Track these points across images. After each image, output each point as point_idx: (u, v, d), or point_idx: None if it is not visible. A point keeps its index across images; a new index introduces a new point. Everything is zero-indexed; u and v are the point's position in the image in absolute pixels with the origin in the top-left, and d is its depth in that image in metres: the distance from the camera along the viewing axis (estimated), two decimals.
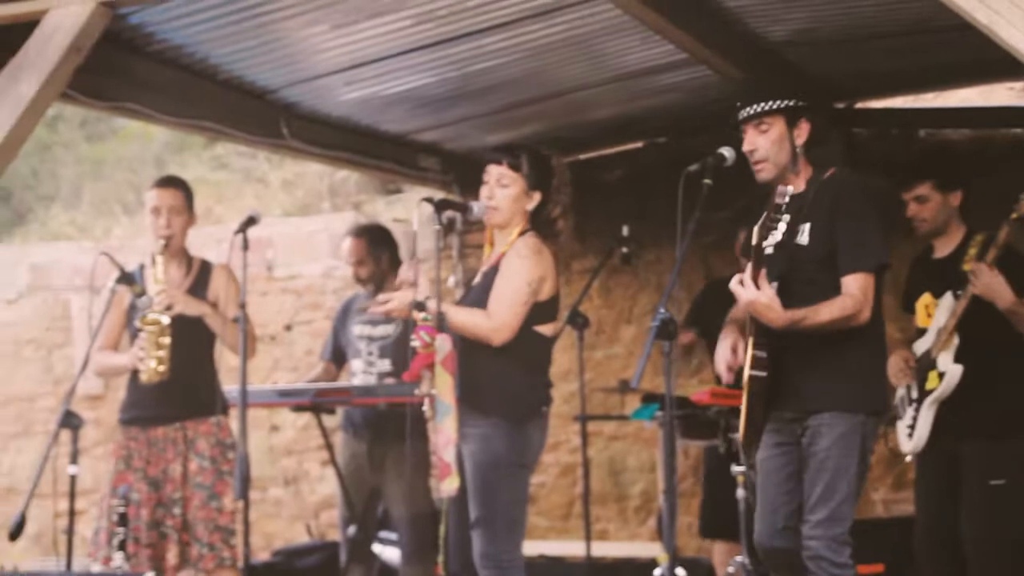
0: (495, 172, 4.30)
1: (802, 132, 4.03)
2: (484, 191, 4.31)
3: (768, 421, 4.03)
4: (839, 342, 3.91)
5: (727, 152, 3.98)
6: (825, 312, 3.86)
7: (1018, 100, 6.57)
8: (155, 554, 4.88)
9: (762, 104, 3.99)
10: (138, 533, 4.86)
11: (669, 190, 3.84)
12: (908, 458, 4.76)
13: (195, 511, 4.87)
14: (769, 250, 3.96)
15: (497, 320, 4.15)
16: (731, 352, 4.06)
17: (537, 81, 5.57)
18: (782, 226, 3.77)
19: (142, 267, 5.12)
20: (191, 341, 4.83)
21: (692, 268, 6.18)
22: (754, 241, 3.80)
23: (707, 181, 3.88)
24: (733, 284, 3.85)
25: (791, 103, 4.01)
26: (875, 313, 3.97)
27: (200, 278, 5.01)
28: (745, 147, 4.02)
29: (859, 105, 6.30)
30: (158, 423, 4.94)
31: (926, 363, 4.61)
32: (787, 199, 3.73)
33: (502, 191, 4.28)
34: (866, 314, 3.91)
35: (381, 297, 4.42)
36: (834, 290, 3.91)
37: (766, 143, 4.00)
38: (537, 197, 4.32)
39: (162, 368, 4.85)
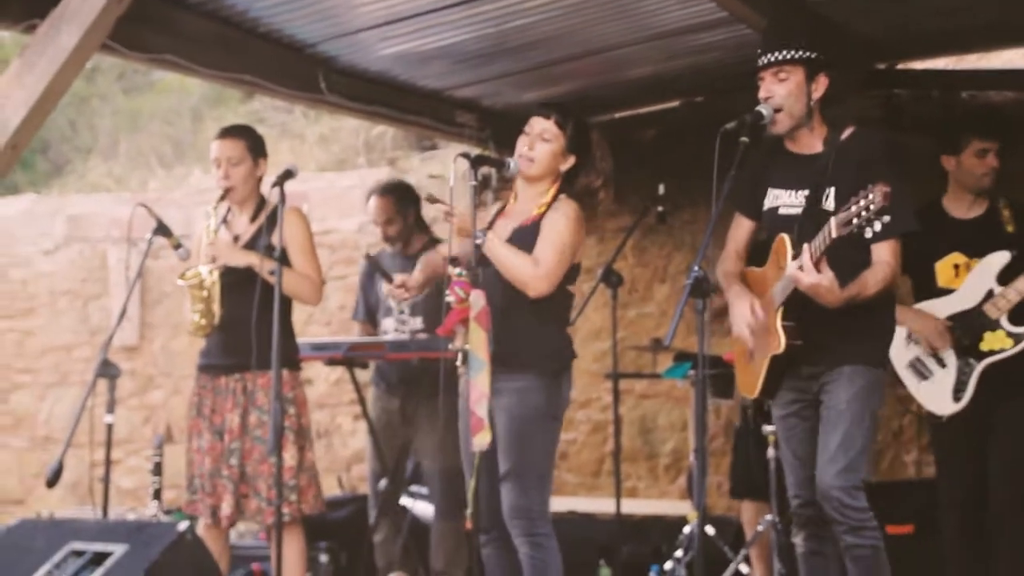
0: (539, 125, 4.30)
1: (820, 86, 4.00)
2: (523, 141, 4.31)
3: (786, 378, 4.05)
4: (859, 304, 3.91)
5: (765, 110, 3.95)
6: (872, 284, 3.88)
7: None
8: (215, 503, 4.88)
9: (783, 52, 3.96)
10: (204, 481, 4.89)
11: (705, 149, 3.82)
12: (943, 419, 4.73)
13: (255, 464, 4.84)
14: (788, 211, 3.98)
15: (544, 269, 4.17)
16: (751, 313, 4.03)
17: (574, 39, 5.54)
18: (877, 226, 3.66)
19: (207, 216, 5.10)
20: (245, 292, 4.73)
21: (727, 228, 6.11)
22: (834, 232, 3.70)
23: (744, 139, 3.85)
24: (791, 270, 3.82)
25: (812, 54, 3.97)
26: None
27: (267, 224, 4.87)
28: (761, 93, 3.99)
29: (900, 66, 6.24)
30: (220, 372, 4.94)
31: (977, 324, 4.58)
32: (883, 198, 3.61)
33: (543, 145, 4.28)
34: (897, 279, 3.95)
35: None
36: (862, 251, 3.90)
37: (783, 91, 3.97)
38: (572, 160, 4.32)
39: (204, 322, 4.86)
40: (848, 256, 3.86)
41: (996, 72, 6.49)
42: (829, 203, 3.94)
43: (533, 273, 4.17)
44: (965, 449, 4.72)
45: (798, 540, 4.15)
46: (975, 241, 4.58)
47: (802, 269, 3.78)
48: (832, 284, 3.78)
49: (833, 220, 3.72)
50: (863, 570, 3.91)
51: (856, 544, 3.90)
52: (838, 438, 3.91)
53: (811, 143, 4.04)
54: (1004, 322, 4.52)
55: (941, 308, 4.66)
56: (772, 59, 3.98)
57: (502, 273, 4.19)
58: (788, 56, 3.96)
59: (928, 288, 4.74)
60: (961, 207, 4.74)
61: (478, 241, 4.11)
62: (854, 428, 3.91)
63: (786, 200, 4.06)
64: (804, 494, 4.08)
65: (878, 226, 3.64)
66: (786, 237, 3.91)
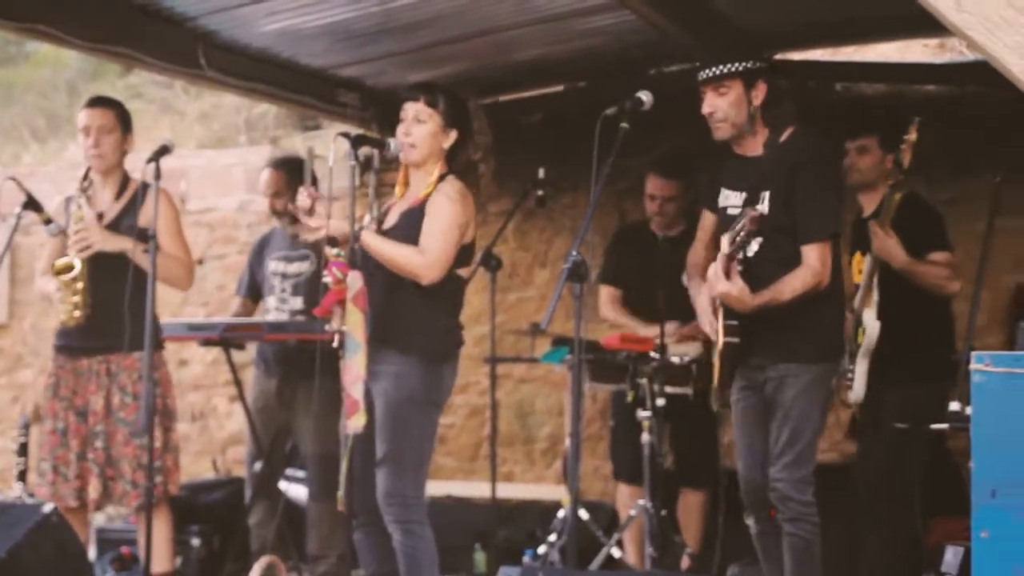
0: (412, 109, 4.29)
1: (759, 93, 4.19)
2: (401, 128, 4.29)
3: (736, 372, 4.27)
4: (800, 302, 4.12)
5: (645, 96, 4.01)
6: (788, 289, 4.09)
7: (933, 57, 6.64)
8: (81, 486, 4.80)
9: (721, 67, 4.15)
10: (62, 464, 4.78)
11: (587, 134, 3.85)
12: (853, 408, 4.88)
13: (119, 447, 4.78)
14: (733, 211, 4.19)
15: (431, 257, 4.15)
16: (711, 309, 4.23)
17: (460, 19, 5.51)
18: (753, 247, 4.10)
19: (68, 200, 4.98)
20: (115, 275, 4.67)
21: (607, 213, 6.20)
22: (726, 248, 4.03)
23: (624, 125, 3.92)
24: (708, 275, 4.12)
25: (749, 65, 4.17)
26: (834, 271, 4.20)
27: (133, 201, 4.79)
28: (705, 109, 4.20)
29: (778, 56, 6.34)
30: (82, 354, 4.85)
31: (856, 320, 4.72)
32: (754, 219, 3.94)
33: (419, 127, 4.27)
34: (827, 280, 4.14)
35: (315, 220, 4.25)
36: (796, 254, 4.12)
37: (725, 105, 4.17)
38: (453, 135, 4.31)
39: (78, 313, 4.76)
40: (782, 258, 4.10)
41: (869, 64, 6.63)
42: (763, 205, 4.14)
43: (421, 263, 4.15)
44: (862, 431, 4.93)
45: (750, 521, 4.36)
46: (865, 239, 4.69)
47: (715, 277, 4.06)
48: (741, 292, 4.03)
49: (724, 238, 4.04)
50: (793, 559, 4.16)
51: (792, 533, 4.16)
52: (786, 435, 4.14)
53: (753, 146, 4.25)
54: (864, 316, 4.65)
55: (855, 304, 4.77)
56: (711, 75, 4.17)
57: (389, 268, 4.15)
58: (725, 71, 4.15)
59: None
60: (866, 205, 4.88)
61: (357, 227, 4.08)
62: (801, 424, 4.15)
63: (732, 201, 4.28)
64: (752, 477, 4.28)
65: (755, 246, 4.04)
66: (724, 239, 4.12)
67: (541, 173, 5.75)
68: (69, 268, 4.72)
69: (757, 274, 4.11)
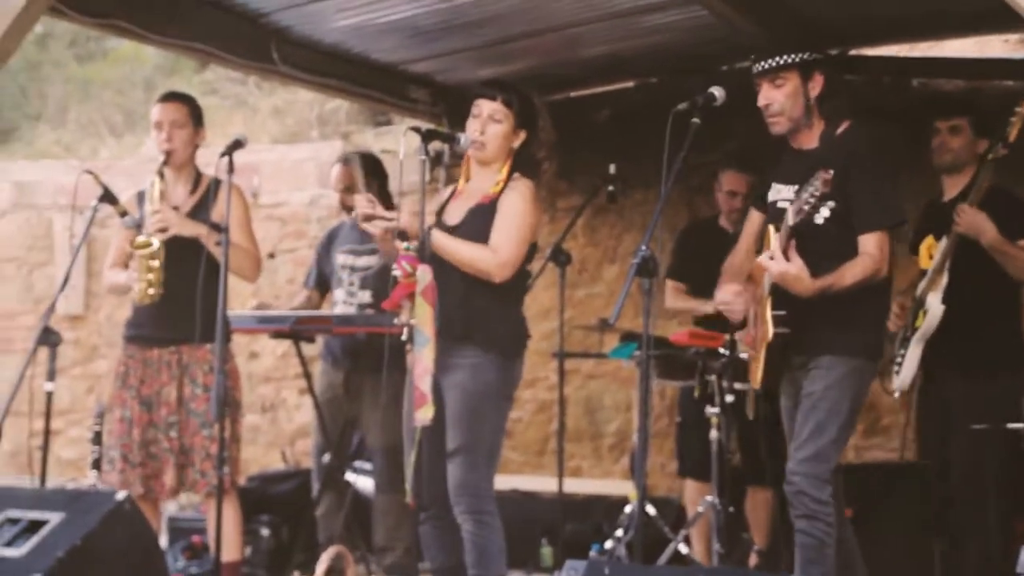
0: (488, 107, 4.29)
1: (816, 85, 4.08)
2: (474, 125, 4.30)
3: (785, 370, 4.13)
4: (852, 294, 3.97)
5: (717, 92, 3.98)
6: (849, 276, 3.94)
7: (1012, 52, 6.55)
8: (146, 473, 4.87)
9: (777, 59, 4.05)
10: (129, 452, 4.86)
11: (657, 131, 3.83)
12: (896, 394, 4.79)
13: (190, 437, 4.85)
14: (783, 204, 4.04)
15: (504, 256, 4.18)
16: (735, 295, 4.15)
17: (529, 16, 5.52)
18: (824, 212, 3.84)
19: (141, 194, 5.04)
20: (188, 263, 4.71)
21: (676, 209, 6.18)
22: (791, 221, 3.83)
23: (695, 120, 3.88)
24: (762, 259, 3.93)
25: (806, 57, 4.06)
26: (889, 266, 4.06)
27: (206, 196, 4.89)
28: (760, 101, 4.08)
29: (853, 52, 6.28)
30: (153, 344, 4.91)
31: (918, 303, 4.66)
32: (825, 182, 3.74)
33: (494, 127, 4.28)
34: (885, 270, 4.00)
35: (389, 214, 4.25)
36: (847, 245, 3.98)
37: (781, 97, 4.06)
38: (523, 136, 4.33)
39: (152, 291, 4.82)
40: (835, 249, 3.95)
41: (946, 60, 6.54)
42: None
43: (495, 262, 4.18)
44: (927, 429, 4.84)
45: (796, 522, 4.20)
46: (943, 223, 4.63)
47: (772, 259, 3.88)
48: (800, 272, 3.86)
49: (789, 208, 3.82)
50: (803, 558, 3.97)
51: (804, 531, 3.97)
52: (810, 426, 3.98)
53: (810, 139, 4.14)
54: (928, 299, 4.58)
55: (919, 290, 4.73)
56: (767, 66, 4.06)
57: (460, 268, 4.17)
58: (781, 62, 4.04)
59: (919, 271, 4.83)
60: (950, 188, 4.82)
61: (427, 224, 4.09)
62: (828, 417, 3.97)
63: (783, 194, 4.14)
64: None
65: (825, 211, 3.78)
66: (771, 227, 4.00)
67: (612, 169, 5.73)
68: (147, 245, 4.78)
69: (807, 264, 3.93)
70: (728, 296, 4.21)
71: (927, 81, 6.42)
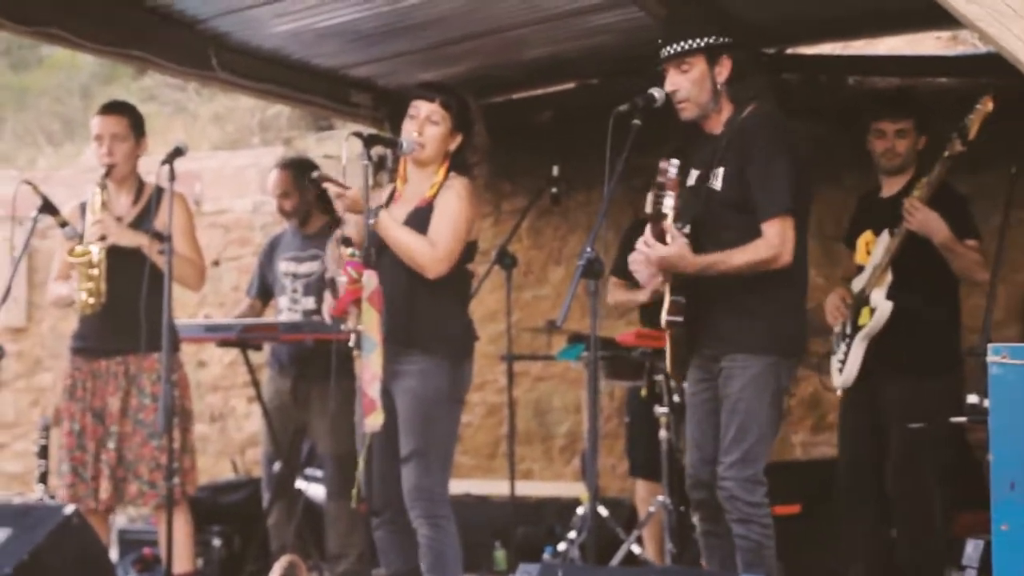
0: (426, 108, 4.30)
1: (723, 69, 4.06)
2: (411, 126, 4.30)
3: (693, 357, 4.11)
4: (755, 285, 3.97)
5: (657, 93, 3.99)
6: (739, 256, 3.92)
7: (945, 49, 6.63)
8: (96, 487, 4.83)
9: (682, 43, 4.01)
10: (80, 465, 4.81)
11: (599, 131, 3.84)
12: (838, 392, 4.83)
13: (136, 448, 4.81)
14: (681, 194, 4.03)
15: (440, 251, 4.18)
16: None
17: (470, 18, 5.51)
18: (668, 202, 3.89)
19: (83, 205, 4.99)
20: (131, 273, 4.70)
21: (621, 210, 6.19)
22: (648, 209, 3.90)
23: (636, 122, 3.88)
24: (639, 247, 3.93)
25: (711, 40, 4.02)
26: (797, 256, 4.02)
27: (149, 205, 4.84)
28: (667, 87, 4.04)
29: (789, 51, 6.33)
30: (100, 355, 4.88)
31: (860, 299, 4.67)
32: (669, 176, 3.84)
33: (432, 128, 4.29)
34: (786, 258, 3.95)
35: (339, 182, 4.27)
36: (751, 234, 3.96)
37: (687, 83, 4.03)
38: (459, 139, 4.35)
39: (92, 300, 4.78)
40: (732, 239, 3.94)
41: (882, 58, 6.61)
42: (716, 182, 4.03)
43: (431, 255, 4.17)
44: (859, 426, 4.80)
45: (695, 519, 4.21)
46: (882, 219, 4.65)
47: (648, 246, 3.90)
48: (681, 249, 3.87)
49: (649, 195, 3.92)
50: (745, 561, 3.97)
51: (742, 535, 3.96)
52: (733, 430, 3.96)
53: (717, 123, 4.12)
54: (872, 296, 4.60)
55: (855, 286, 4.76)
56: (672, 51, 4.03)
57: (397, 254, 4.18)
58: (687, 46, 4.01)
59: (855, 266, 4.84)
60: (889, 186, 4.83)
61: (371, 221, 4.09)
62: (748, 419, 3.95)
63: (691, 180, 4.14)
64: (695, 475, 4.13)
65: (668, 202, 3.88)
66: (670, 224, 3.96)
67: (555, 171, 5.75)
68: (85, 254, 4.74)
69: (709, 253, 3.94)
70: (636, 256, 4.08)
71: (862, 79, 6.49)
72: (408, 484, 4.19)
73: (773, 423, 4.03)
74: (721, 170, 4.00)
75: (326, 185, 4.29)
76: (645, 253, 3.93)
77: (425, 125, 4.29)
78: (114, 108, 5.01)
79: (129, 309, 4.67)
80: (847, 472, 4.84)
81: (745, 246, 3.93)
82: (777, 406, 4.05)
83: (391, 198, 4.41)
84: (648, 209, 3.91)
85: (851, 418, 4.84)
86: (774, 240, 3.93)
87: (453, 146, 4.34)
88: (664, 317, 3.99)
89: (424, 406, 4.19)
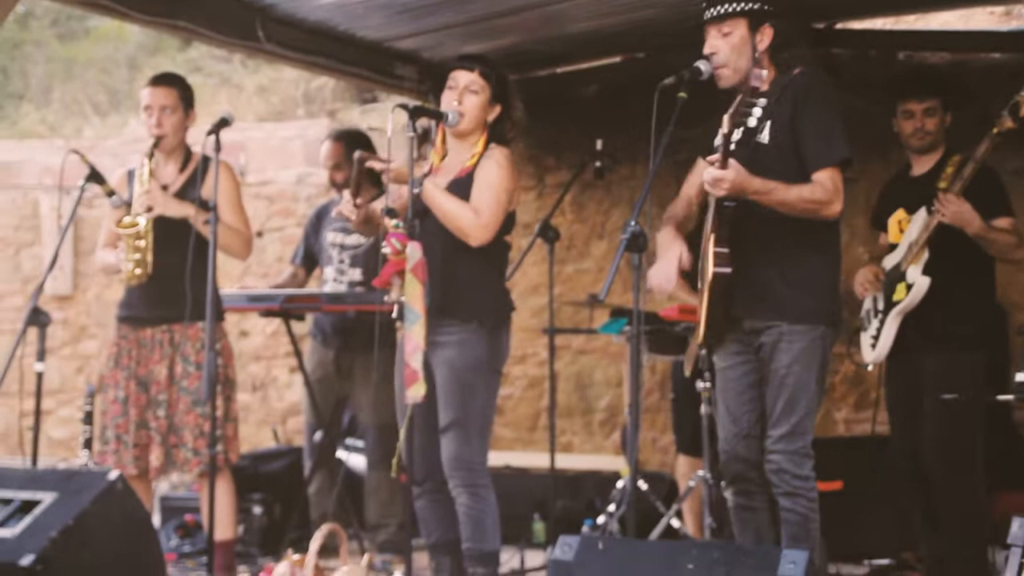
0: (465, 78, 4.31)
1: (764, 37, 4.02)
2: (450, 96, 4.32)
3: (727, 330, 4.05)
4: (799, 251, 3.95)
5: (703, 66, 3.96)
6: (795, 190, 3.86)
7: (997, 24, 6.54)
8: (141, 454, 4.89)
9: (725, 5, 3.97)
10: (124, 432, 4.87)
11: (644, 105, 3.82)
12: (870, 368, 4.81)
13: (181, 415, 4.86)
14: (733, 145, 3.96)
15: (484, 218, 4.20)
16: (675, 265, 4.02)
17: None
18: (756, 112, 3.77)
19: (130, 173, 5.02)
20: (178, 243, 4.73)
21: (665, 184, 6.15)
22: (724, 129, 3.77)
23: (682, 95, 3.85)
24: (704, 180, 3.84)
25: (754, 6, 3.98)
26: (834, 224, 4.01)
27: (195, 175, 4.87)
28: (706, 49, 4.00)
29: (839, 25, 6.27)
30: (145, 324, 4.93)
31: (895, 276, 4.66)
32: (760, 90, 3.71)
33: (471, 97, 4.30)
34: (837, 207, 3.92)
35: (383, 156, 4.34)
36: (795, 180, 3.90)
37: (727, 47, 3.99)
38: (497, 110, 4.36)
39: (139, 271, 4.83)
40: (780, 175, 3.88)
41: (932, 33, 6.54)
42: (763, 136, 3.96)
43: (476, 223, 4.19)
44: (900, 401, 4.81)
45: (728, 494, 4.18)
46: (915, 198, 4.64)
47: (712, 164, 3.81)
48: (738, 171, 3.78)
49: (725, 117, 3.77)
50: (789, 535, 3.95)
51: (788, 508, 3.94)
52: (781, 403, 3.93)
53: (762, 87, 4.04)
54: (909, 272, 4.59)
55: (887, 263, 4.76)
56: (715, 13, 3.99)
57: (442, 222, 4.19)
58: (730, 9, 3.97)
59: (887, 245, 4.83)
60: (920, 164, 4.82)
61: (416, 190, 4.10)
62: (797, 392, 3.93)
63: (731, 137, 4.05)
64: (731, 450, 4.10)
65: (757, 111, 3.75)
66: (704, 159, 3.93)
67: (599, 144, 5.73)
68: (133, 225, 4.78)
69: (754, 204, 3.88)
70: (658, 279, 4.05)
71: (913, 54, 6.42)
72: (447, 454, 4.22)
73: (819, 395, 4.03)
74: (768, 123, 3.93)
75: (370, 164, 4.31)
76: (707, 174, 3.82)
77: (464, 94, 4.30)
78: (164, 80, 5.03)
79: (175, 278, 4.70)
80: (896, 448, 4.84)
81: (802, 185, 3.87)
82: (823, 378, 4.04)
83: (429, 171, 4.41)
84: (725, 127, 3.74)
85: (892, 394, 4.85)
86: (828, 185, 3.89)
87: (491, 117, 4.35)
88: (711, 269, 3.89)
89: (461, 376, 4.21)
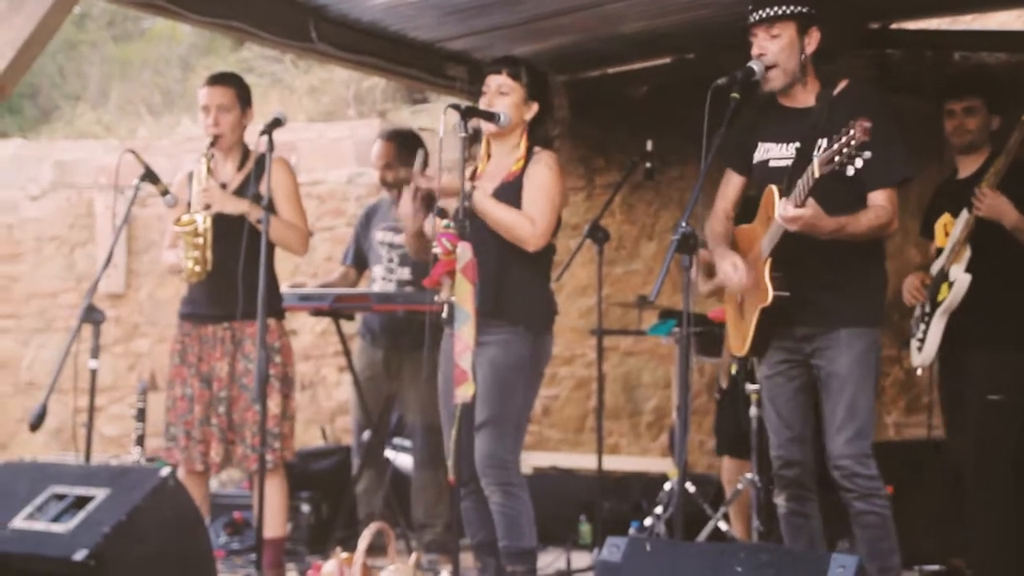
0: (494, 82, 4.34)
1: (812, 40, 4.00)
2: (483, 101, 4.34)
3: (776, 338, 4.05)
4: (847, 259, 3.94)
5: (756, 66, 3.94)
6: (864, 220, 3.88)
7: None
8: (206, 450, 4.93)
9: (774, 8, 3.95)
10: (192, 428, 4.92)
11: (695, 106, 3.80)
12: (919, 371, 4.78)
13: (241, 412, 4.89)
14: (779, 163, 3.98)
15: (541, 225, 4.22)
16: (733, 270, 4.04)
17: None
18: (859, 163, 3.64)
19: (190, 175, 5.07)
20: (237, 239, 4.73)
21: (716, 185, 6.16)
22: (817, 172, 3.70)
23: (735, 95, 3.84)
24: (778, 215, 3.83)
25: (803, 9, 3.96)
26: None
27: (255, 173, 4.88)
28: (754, 51, 3.99)
29: (893, 26, 6.22)
30: (208, 321, 4.96)
31: (939, 277, 4.63)
32: (863, 133, 3.59)
33: (501, 99, 4.32)
34: (895, 225, 3.94)
35: (430, 172, 4.41)
36: (850, 201, 3.90)
37: (776, 48, 3.97)
38: (535, 108, 4.35)
39: (198, 268, 4.86)
40: (842, 202, 3.86)
41: (989, 33, 6.47)
42: (819, 153, 3.92)
43: (532, 231, 4.21)
44: (949, 401, 4.78)
45: (779, 500, 4.16)
46: (960, 200, 4.61)
47: (786, 211, 3.79)
48: (816, 211, 3.78)
49: (816, 159, 3.71)
50: (871, 537, 3.94)
51: (866, 511, 3.93)
52: (844, 406, 3.92)
53: (804, 98, 4.05)
54: (951, 271, 4.56)
55: (934, 268, 4.71)
56: (764, 15, 3.97)
57: (498, 231, 4.20)
58: (779, 12, 3.95)
59: (935, 250, 4.80)
60: (965, 167, 4.79)
61: (466, 202, 4.11)
62: (859, 394, 3.93)
63: (776, 153, 4.06)
64: (786, 455, 4.09)
65: (859, 162, 3.62)
66: (774, 188, 3.91)
67: (649, 145, 5.71)
68: (190, 223, 4.82)
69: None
70: (729, 269, 4.08)
71: (969, 55, 6.36)
72: (480, 452, 4.22)
73: (876, 396, 4.04)
74: (824, 141, 3.87)
75: (418, 184, 4.33)
76: (782, 217, 3.81)
77: (495, 97, 4.32)
78: (220, 79, 5.06)
79: (232, 275, 4.73)
80: (955, 453, 4.80)
81: (867, 211, 3.89)
82: (878, 379, 4.06)
83: (474, 175, 4.42)
84: (817, 172, 3.68)
85: (946, 398, 4.82)
86: (889, 207, 3.90)
87: (529, 115, 4.35)
88: (771, 293, 3.90)
89: (503, 374, 4.21)
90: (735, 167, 4.23)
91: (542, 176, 4.26)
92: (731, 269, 4.06)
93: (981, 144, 4.72)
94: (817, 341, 3.98)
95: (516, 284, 4.24)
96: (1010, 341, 4.58)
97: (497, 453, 4.21)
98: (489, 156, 4.44)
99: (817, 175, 3.70)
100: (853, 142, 3.57)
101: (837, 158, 3.61)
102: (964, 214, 4.55)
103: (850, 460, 3.91)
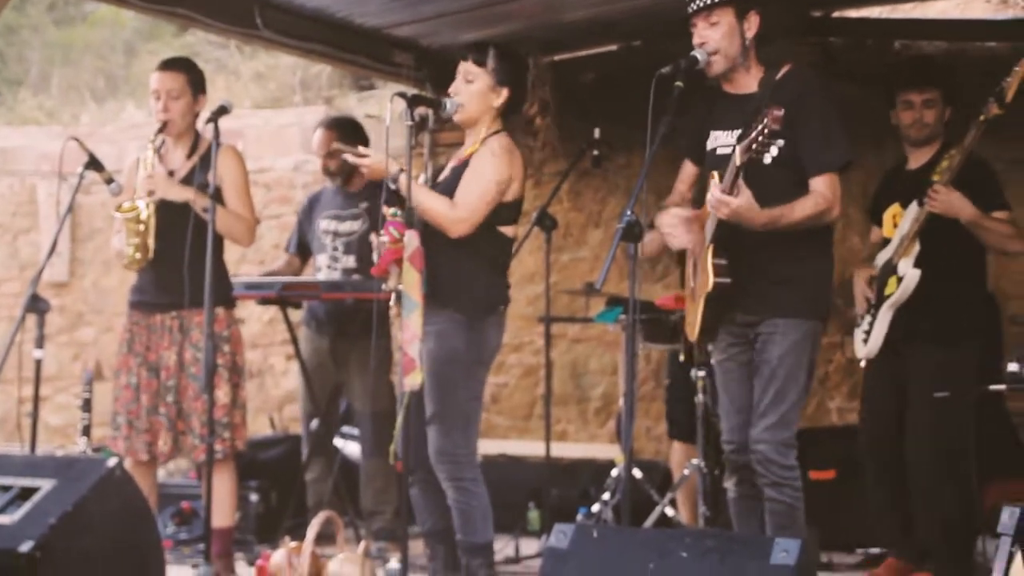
0: (462, 69, 4.32)
1: (752, 25, 4.02)
2: (452, 88, 4.31)
3: (723, 324, 4.09)
4: (792, 248, 3.97)
5: (699, 55, 3.97)
6: (799, 209, 3.90)
7: (994, 13, 6.55)
8: (152, 440, 4.91)
9: None
10: (135, 418, 4.89)
11: (641, 94, 3.83)
12: (862, 363, 4.82)
13: (190, 402, 4.87)
14: (724, 151, 3.99)
15: (462, 211, 4.17)
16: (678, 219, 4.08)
17: None
18: (774, 150, 3.70)
19: (139, 160, 5.03)
20: (182, 227, 4.70)
21: (662, 172, 6.17)
22: (738, 161, 3.75)
23: (679, 84, 3.86)
24: (709, 200, 3.87)
25: None
26: (833, 222, 4.04)
27: (203, 161, 4.86)
28: (695, 40, 4.02)
29: (836, 14, 6.28)
30: (155, 309, 4.93)
31: (887, 270, 4.65)
32: (773, 121, 3.63)
33: (466, 87, 4.29)
34: (836, 211, 3.97)
35: (361, 150, 4.38)
36: (793, 187, 3.94)
37: (716, 36, 3.99)
38: (505, 94, 4.31)
39: (139, 256, 4.83)
40: (781, 191, 3.90)
41: (929, 22, 6.54)
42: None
43: (451, 216, 4.16)
44: (883, 393, 4.80)
45: (729, 484, 4.21)
46: (910, 192, 4.63)
47: (717, 199, 3.82)
48: (749, 202, 3.81)
49: (737, 147, 3.75)
50: (775, 524, 3.99)
51: (774, 498, 3.98)
52: (771, 394, 3.97)
53: (747, 83, 4.08)
54: (900, 266, 4.58)
55: (880, 258, 4.74)
56: (701, 4, 4.00)
57: (422, 216, 4.18)
58: (716, 0, 3.97)
59: (881, 239, 4.82)
60: (916, 158, 4.80)
61: (392, 186, 4.10)
62: (787, 384, 3.96)
63: (723, 140, 4.08)
64: (736, 440, 4.12)
65: (774, 150, 3.67)
66: (716, 174, 3.93)
67: (596, 133, 5.73)
68: (132, 210, 4.79)
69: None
70: (672, 219, 4.12)
71: (909, 43, 6.43)
72: (432, 447, 4.22)
73: (807, 388, 4.06)
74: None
75: (345, 156, 4.32)
76: (712, 205, 3.85)
77: (460, 84, 4.30)
78: (172, 64, 5.01)
79: (179, 263, 4.71)
80: (869, 442, 4.84)
81: (803, 199, 3.92)
82: (812, 372, 4.08)
83: (443, 168, 4.42)
84: (739, 160, 3.73)
85: (875, 387, 4.84)
86: (828, 194, 3.93)
87: (497, 102, 4.31)
88: (712, 279, 3.92)
89: (439, 368, 4.19)
90: (690, 156, 4.28)
91: (482, 161, 4.23)
92: (669, 219, 4.08)
93: (935, 136, 4.73)
94: (757, 328, 4.03)
95: (446, 270, 4.20)
96: (957, 337, 4.62)
97: (446, 448, 4.21)
98: (465, 141, 4.41)
99: (739, 163, 3.74)
100: (767, 131, 3.61)
101: (754, 145, 3.65)
102: (914, 207, 4.56)
103: (767, 446, 3.95)
